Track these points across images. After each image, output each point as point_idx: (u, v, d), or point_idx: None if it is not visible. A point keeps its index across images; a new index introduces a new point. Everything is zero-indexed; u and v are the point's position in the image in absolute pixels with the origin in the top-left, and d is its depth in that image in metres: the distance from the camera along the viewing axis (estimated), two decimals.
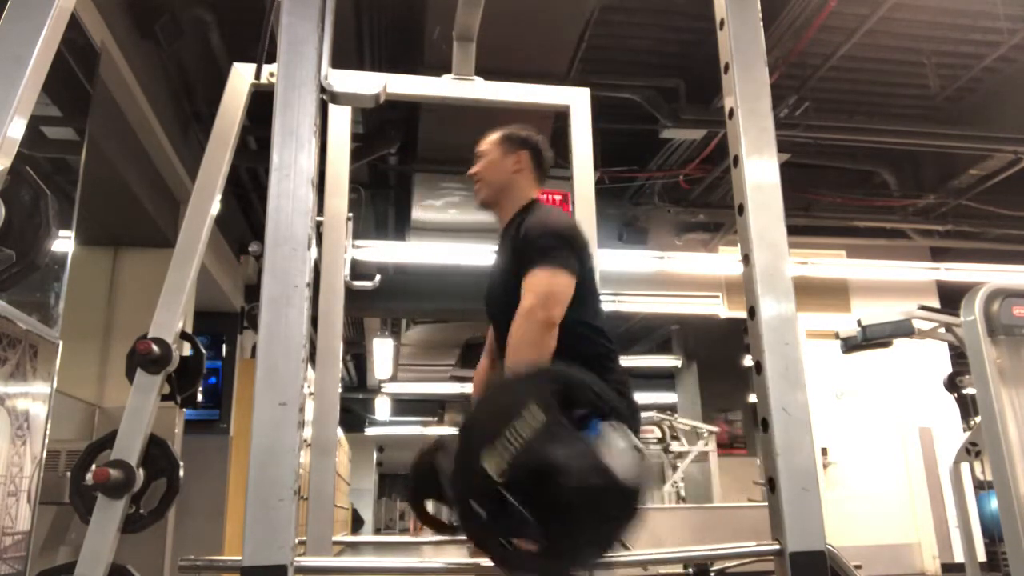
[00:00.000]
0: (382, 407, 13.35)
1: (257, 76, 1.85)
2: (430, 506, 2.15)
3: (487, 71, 2.21)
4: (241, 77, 1.88)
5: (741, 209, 1.20)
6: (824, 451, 6.07)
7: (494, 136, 1.95)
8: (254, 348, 5.29)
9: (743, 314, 1.21)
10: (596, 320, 1.75)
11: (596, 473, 0.91)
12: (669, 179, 5.71)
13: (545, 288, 1.60)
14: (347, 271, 2.24)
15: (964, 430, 5.91)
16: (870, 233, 6.26)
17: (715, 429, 7.26)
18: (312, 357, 1.82)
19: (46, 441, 2.25)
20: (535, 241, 1.68)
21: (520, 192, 1.89)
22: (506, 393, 1.14)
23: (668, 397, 9.74)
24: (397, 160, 4.97)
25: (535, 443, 0.99)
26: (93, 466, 1.51)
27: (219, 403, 5.55)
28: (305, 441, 2.03)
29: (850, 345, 3.66)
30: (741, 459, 7.62)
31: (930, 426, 6.25)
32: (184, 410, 1.92)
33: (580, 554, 1.01)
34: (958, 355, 5.33)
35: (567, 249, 1.66)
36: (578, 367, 1.41)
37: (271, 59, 1.57)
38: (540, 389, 1.06)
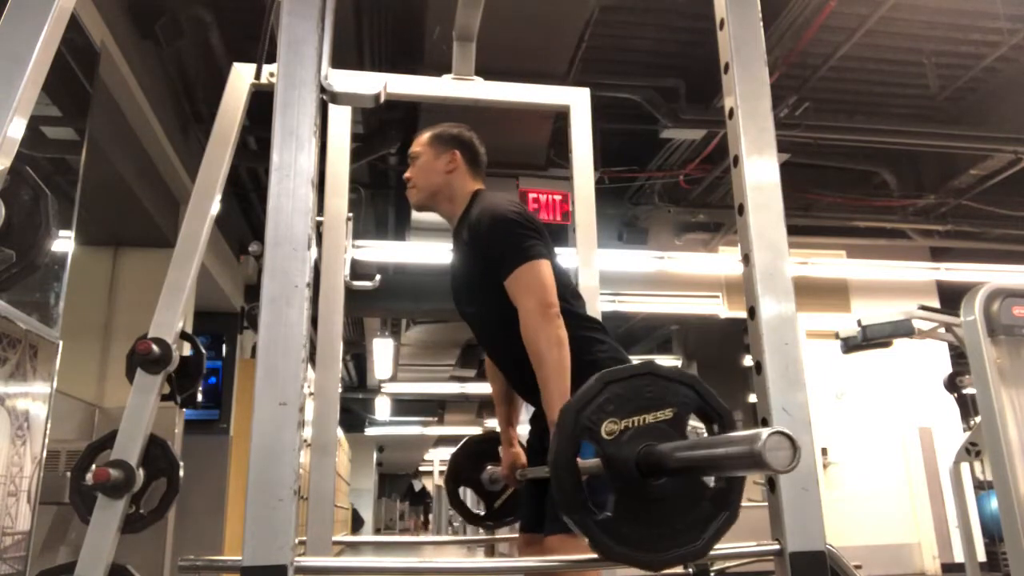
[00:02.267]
0: (382, 407, 13.35)
1: (257, 76, 1.85)
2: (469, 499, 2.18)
3: (487, 71, 2.21)
4: (241, 77, 1.88)
5: (741, 209, 1.20)
6: (824, 451, 6.07)
7: (424, 137, 1.95)
8: (254, 348, 5.29)
9: (743, 314, 1.21)
10: (573, 300, 1.78)
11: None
12: (669, 179, 5.71)
13: (533, 284, 1.63)
14: (347, 271, 2.24)
15: (964, 430, 5.92)
16: (870, 233, 6.26)
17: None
18: (312, 357, 1.82)
19: (46, 441, 2.25)
20: (497, 242, 1.70)
21: (459, 190, 1.90)
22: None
23: None
24: (397, 160, 4.97)
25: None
26: (93, 466, 1.51)
27: (219, 403, 5.55)
28: (305, 441, 2.04)
29: (850, 345, 3.66)
30: None
31: (930, 426, 6.25)
32: (184, 410, 1.93)
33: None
34: (958, 355, 5.33)
35: (529, 237, 1.69)
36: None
37: (271, 59, 1.57)
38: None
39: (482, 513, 2.18)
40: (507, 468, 1.94)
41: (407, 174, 1.94)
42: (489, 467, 2.08)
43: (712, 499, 1.00)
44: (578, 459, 1.00)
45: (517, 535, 1.87)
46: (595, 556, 1.05)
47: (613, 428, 0.98)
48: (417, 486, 23.39)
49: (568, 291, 1.79)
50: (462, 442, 2.24)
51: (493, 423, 14.23)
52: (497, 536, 5.02)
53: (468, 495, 2.29)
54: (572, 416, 0.98)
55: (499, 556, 6.60)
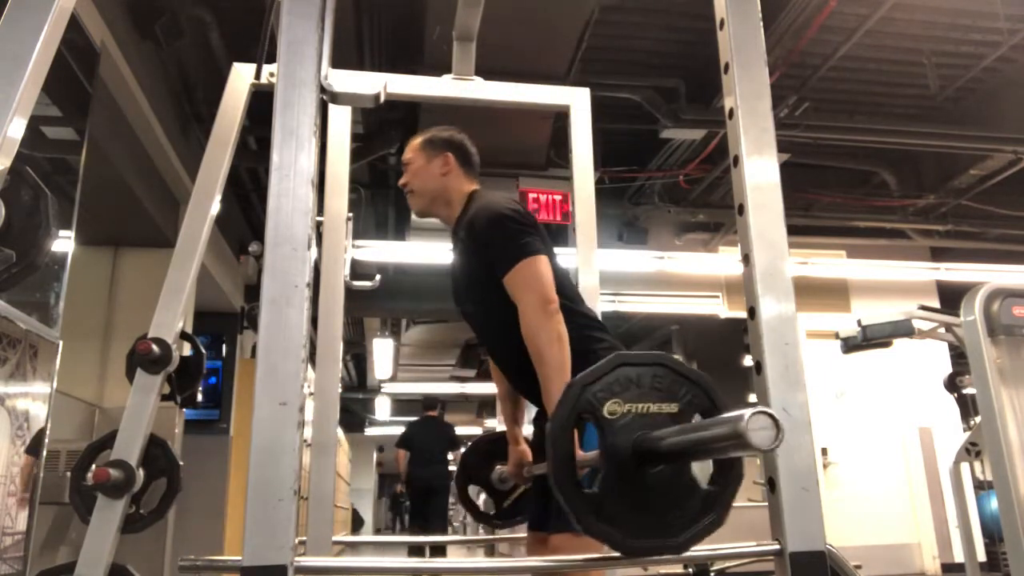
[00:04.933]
0: (382, 407, 13.36)
1: (257, 76, 1.85)
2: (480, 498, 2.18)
3: (487, 71, 2.21)
4: (241, 77, 1.88)
5: (741, 209, 1.20)
6: (824, 451, 6.07)
7: (416, 142, 1.95)
8: (254, 348, 5.29)
9: (743, 314, 1.21)
10: (572, 297, 1.78)
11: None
12: (669, 179, 5.71)
13: (532, 280, 1.64)
14: (347, 271, 2.24)
15: (964, 430, 5.92)
16: (870, 233, 6.26)
17: None
18: (312, 357, 1.82)
19: (46, 441, 2.25)
20: (494, 240, 1.70)
21: (455, 193, 1.89)
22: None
23: None
24: (397, 160, 4.97)
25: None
26: (93, 466, 1.51)
27: (219, 403, 5.55)
28: (305, 441, 2.03)
29: (850, 345, 3.66)
30: None
31: (930, 426, 6.25)
32: (184, 410, 1.93)
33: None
34: (958, 355, 5.33)
35: (526, 234, 1.69)
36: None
37: (271, 59, 1.57)
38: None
39: (492, 512, 2.18)
40: (514, 466, 1.95)
41: (402, 180, 1.94)
42: (499, 467, 2.08)
43: (703, 499, 1.00)
44: (579, 451, 1.00)
45: (517, 535, 1.88)
46: (597, 556, 1.05)
47: (616, 409, 0.99)
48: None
49: (567, 288, 1.79)
50: (472, 441, 2.23)
51: (493, 423, 14.24)
52: (498, 536, 5.01)
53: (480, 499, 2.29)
54: (578, 390, 0.99)
55: (499, 556, 6.60)
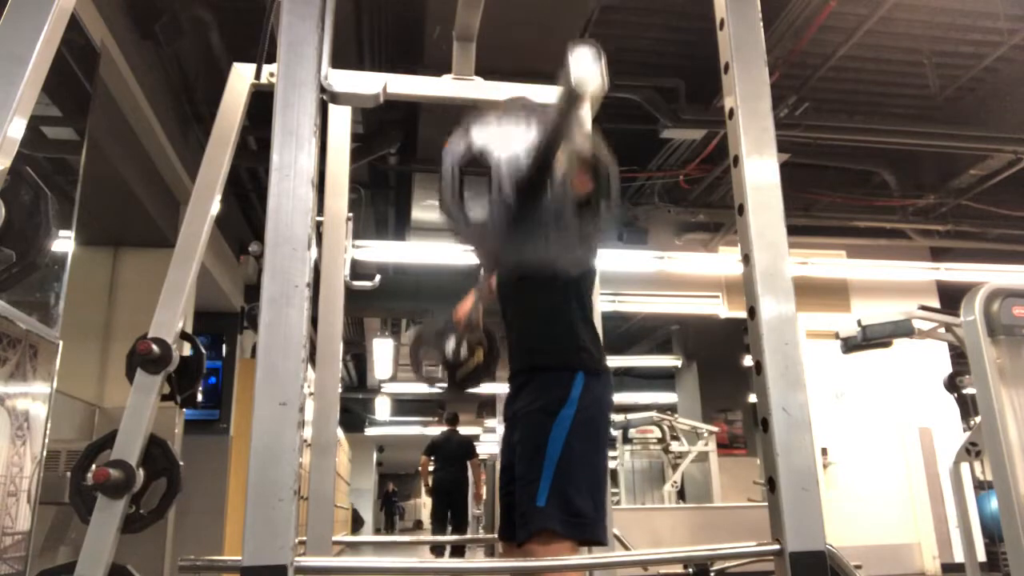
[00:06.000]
0: (382, 407, 13.36)
1: (257, 76, 1.85)
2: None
3: (487, 71, 2.21)
4: (241, 77, 1.88)
5: (741, 209, 1.20)
6: (824, 451, 6.07)
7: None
8: (254, 348, 5.29)
9: (743, 314, 1.21)
10: (584, 308, 1.78)
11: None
12: (669, 179, 5.71)
13: None
14: (347, 271, 2.24)
15: (964, 430, 5.91)
16: (870, 233, 6.26)
17: (715, 429, 7.27)
18: (312, 357, 1.82)
19: (46, 441, 2.25)
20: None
21: None
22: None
23: (668, 397, 9.74)
24: (397, 160, 4.97)
25: None
26: (93, 466, 1.51)
27: (219, 403, 5.55)
28: (305, 441, 2.03)
29: (850, 345, 3.66)
30: (741, 459, 7.62)
31: (930, 426, 6.25)
32: (184, 410, 1.92)
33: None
34: (958, 355, 5.33)
35: None
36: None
37: (271, 59, 1.57)
38: None
39: (445, 385, 2.13)
40: (465, 306, 1.91)
41: None
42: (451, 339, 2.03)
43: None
44: None
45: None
46: (586, 560, 1.05)
47: None
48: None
49: (586, 299, 1.80)
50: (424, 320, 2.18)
51: (493, 422, 14.21)
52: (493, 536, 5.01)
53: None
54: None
55: (499, 556, 6.59)
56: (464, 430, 9.15)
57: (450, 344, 1.95)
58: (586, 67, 1.12)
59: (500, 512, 1.88)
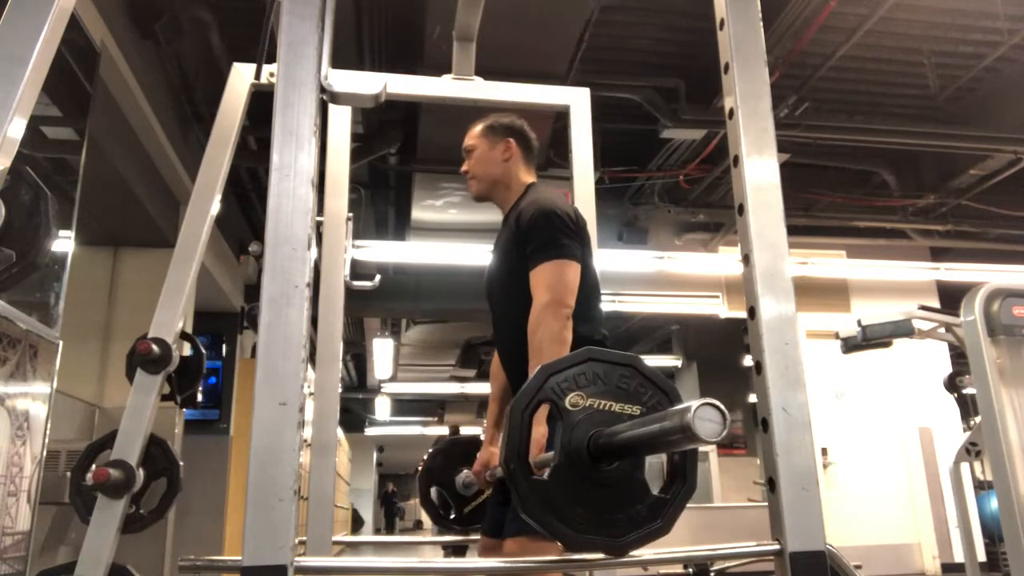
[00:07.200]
0: (382, 407, 13.35)
1: (257, 76, 1.85)
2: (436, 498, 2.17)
3: (487, 71, 2.21)
4: (241, 77, 1.88)
5: (741, 209, 1.20)
6: (824, 451, 6.07)
7: (477, 129, 1.95)
8: (254, 348, 5.29)
9: (743, 314, 1.21)
10: (590, 320, 1.75)
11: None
12: (669, 179, 5.71)
13: (555, 281, 1.63)
14: (347, 271, 2.24)
15: (964, 430, 5.91)
16: (870, 233, 6.26)
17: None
18: (312, 357, 1.82)
19: (46, 441, 2.25)
20: (536, 232, 1.70)
21: (516, 180, 1.91)
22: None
23: None
24: (397, 160, 4.97)
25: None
26: (93, 466, 1.51)
27: (219, 403, 5.55)
28: (305, 441, 2.04)
29: (850, 345, 3.66)
30: (741, 459, 7.62)
31: (930, 426, 6.25)
32: (184, 410, 1.92)
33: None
34: (958, 355, 5.33)
35: (569, 237, 1.69)
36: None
37: (271, 59, 1.57)
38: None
39: (452, 516, 2.17)
40: (480, 465, 1.95)
41: (464, 167, 1.95)
42: (464, 471, 2.08)
43: (651, 505, 1.00)
44: (540, 430, 1.00)
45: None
46: (585, 559, 1.05)
47: (577, 402, 0.98)
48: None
49: (593, 310, 1.78)
50: (440, 440, 2.23)
51: None
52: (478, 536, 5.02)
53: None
54: (544, 375, 0.99)
55: (480, 553, 6.60)
56: (463, 430, 9.16)
57: (464, 486, 2.09)
58: None
59: (487, 509, 1.89)
